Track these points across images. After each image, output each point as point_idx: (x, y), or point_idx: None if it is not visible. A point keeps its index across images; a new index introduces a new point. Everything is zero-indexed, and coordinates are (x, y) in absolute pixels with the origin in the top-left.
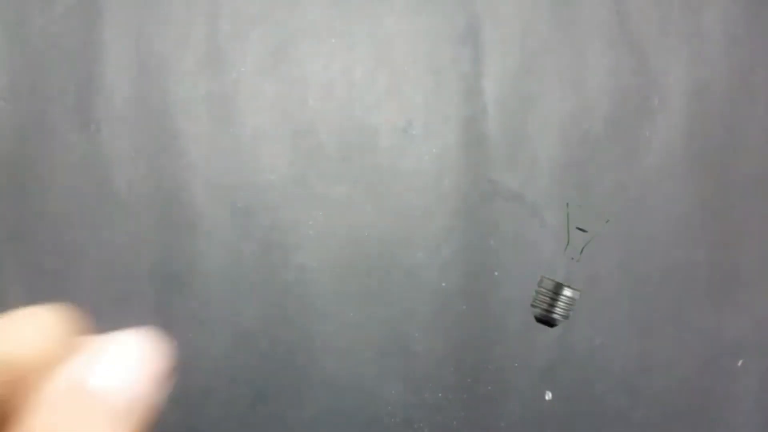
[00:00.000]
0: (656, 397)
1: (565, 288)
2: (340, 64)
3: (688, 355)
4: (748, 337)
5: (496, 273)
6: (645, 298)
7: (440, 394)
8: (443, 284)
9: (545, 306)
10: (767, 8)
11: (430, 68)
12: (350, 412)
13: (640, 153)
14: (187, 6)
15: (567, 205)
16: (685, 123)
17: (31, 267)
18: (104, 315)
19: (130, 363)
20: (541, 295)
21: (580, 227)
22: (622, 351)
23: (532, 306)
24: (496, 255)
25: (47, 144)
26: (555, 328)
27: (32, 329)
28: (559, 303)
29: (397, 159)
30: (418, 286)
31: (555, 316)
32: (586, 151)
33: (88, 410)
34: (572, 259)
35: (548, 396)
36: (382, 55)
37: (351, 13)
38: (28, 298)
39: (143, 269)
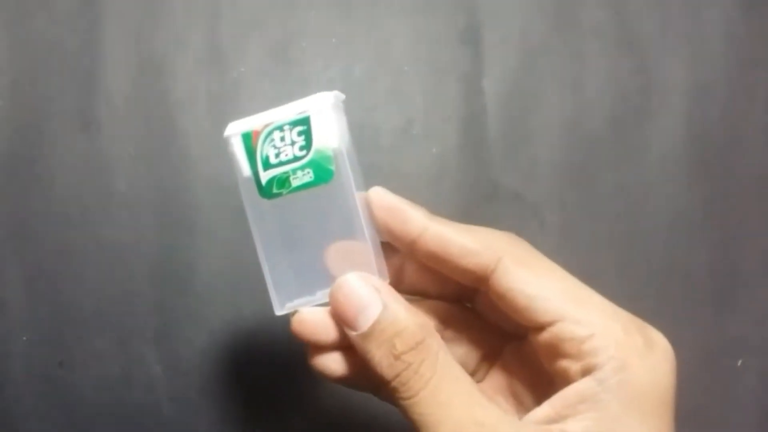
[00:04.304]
0: None
1: None
2: (340, 64)
3: (688, 355)
4: (748, 337)
5: None
6: (645, 297)
7: None
8: None
9: None
10: (767, 8)
11: (430, 68)
12: (350, 411)
13: (640, 153)
14: (187, 6)
15: None
16: (685, 123)
17: (31, 267)
18: (104, 315)
19: None
20: None
21: None
22: None
23: None
24: None
25: (47, 144)
26: None
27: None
28: None
29: (397, 159)
30: None
31: None
32: (586, 152)
33: None
34: None
35: None
36: (382, 55)
37: (351, 13)
38: (28, 298)
39: (143, 269)
